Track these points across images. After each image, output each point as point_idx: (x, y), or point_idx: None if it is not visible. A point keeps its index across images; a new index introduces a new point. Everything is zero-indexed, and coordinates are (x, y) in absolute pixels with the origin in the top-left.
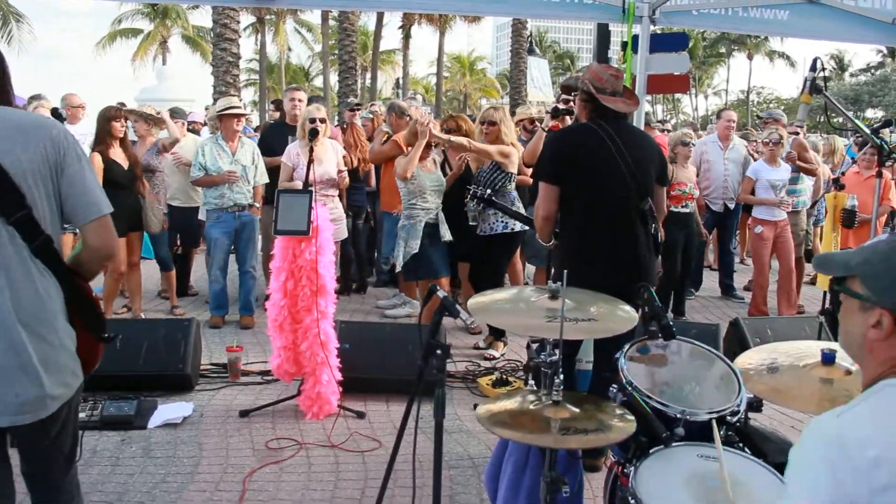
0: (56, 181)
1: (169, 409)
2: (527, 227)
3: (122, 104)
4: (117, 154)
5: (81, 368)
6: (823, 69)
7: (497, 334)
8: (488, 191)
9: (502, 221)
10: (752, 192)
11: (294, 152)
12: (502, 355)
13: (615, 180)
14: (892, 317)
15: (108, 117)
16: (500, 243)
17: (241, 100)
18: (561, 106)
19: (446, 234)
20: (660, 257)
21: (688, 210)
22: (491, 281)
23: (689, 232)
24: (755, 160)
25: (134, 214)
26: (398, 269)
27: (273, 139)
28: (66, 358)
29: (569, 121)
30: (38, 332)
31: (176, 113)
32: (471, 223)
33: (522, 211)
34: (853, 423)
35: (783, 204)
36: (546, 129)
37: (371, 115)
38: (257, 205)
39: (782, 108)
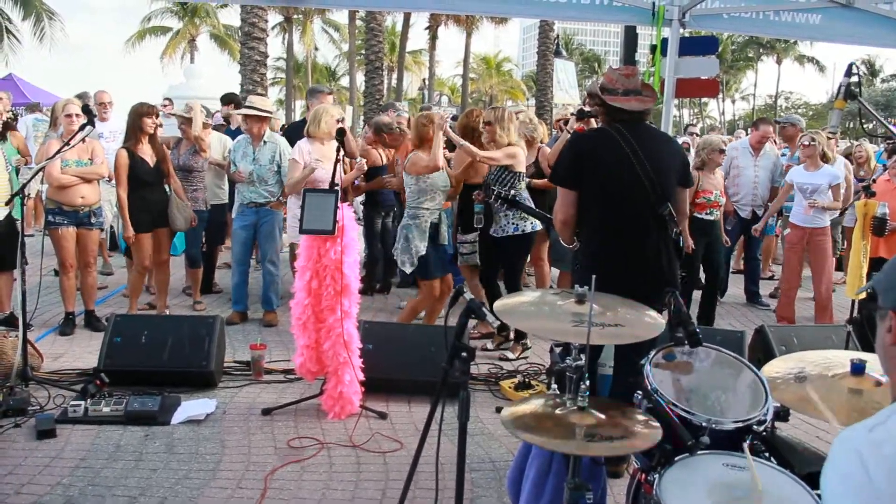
0: None
1: (192, 406)
2: (542, 228)
3: (169, 100)
4: (144, 151)
5: None
6: (858, 75)
7: (517, 337)
8: (512, 191)
9: (513, 223)
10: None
11: (306, 149)
12: (517, 357)
13: (631, 184)
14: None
15: (140, 113)
16: (513, 245)
17: (271, 103)
18: (586, 108)
19: (446, 237)
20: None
21: (712, 217)
22: (508, 283)
23: (711, 240)
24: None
25: (160, 211)
26: (407, 271)
27: (297, 138)
28: None
29: (594, 123)
30: None
31: None
32: (476, 225)
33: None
34: (886, 438)
35: (808, 207)
36: (571, 131)
37: (406, 115)
38: (282, 199)
39: (811, 113)
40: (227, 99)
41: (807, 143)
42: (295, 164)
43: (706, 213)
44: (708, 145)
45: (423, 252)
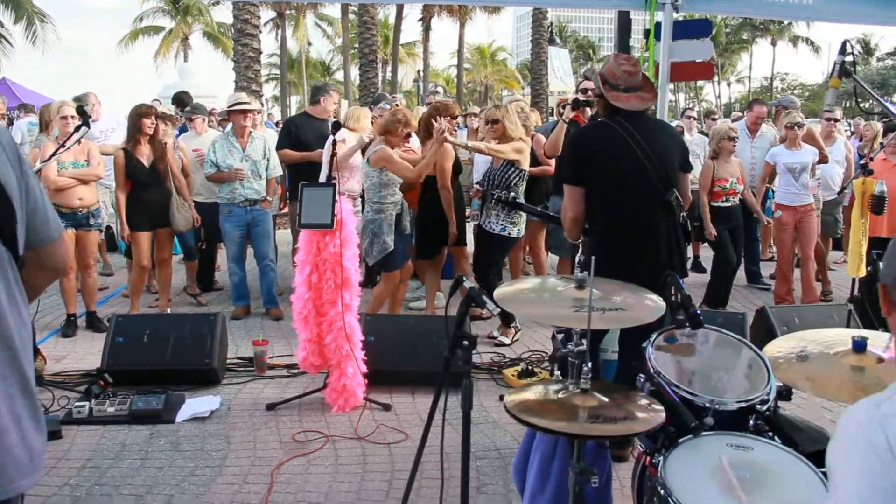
0: (23, 194)
1: (196, 403)
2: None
3: (157, 101)
4: (142, 152)
5: None
6: (852, 52)
7: (506, 321)
8: (512, 194)
9: (501, 224)
10: (773, 177)
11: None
12: (512, 341)
13: (637, 175)
14: (883, 288)
15: (139, 114)
16: (495, 243)
17: (261, 95)
18: (581, 97)
19: (408, 227)
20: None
21: (729, 204)
22: (479, 276)
23: (734, 226)
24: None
25: (160, 211)
26: (370, 263)
27: (304, 131)
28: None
29: (589, 111)
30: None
31: (197, 109)
32: (475, 222)
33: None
34: (893, 413)
35: (808, 188)
36: (566, 120)
37: (388, 107)
38: (270, 198)
39: (807, 93)
40: (176, 99)
41: (796, 123)
42: (343, 144)
43: (723, 201)
44: (716, 134)
45: (392, 247)
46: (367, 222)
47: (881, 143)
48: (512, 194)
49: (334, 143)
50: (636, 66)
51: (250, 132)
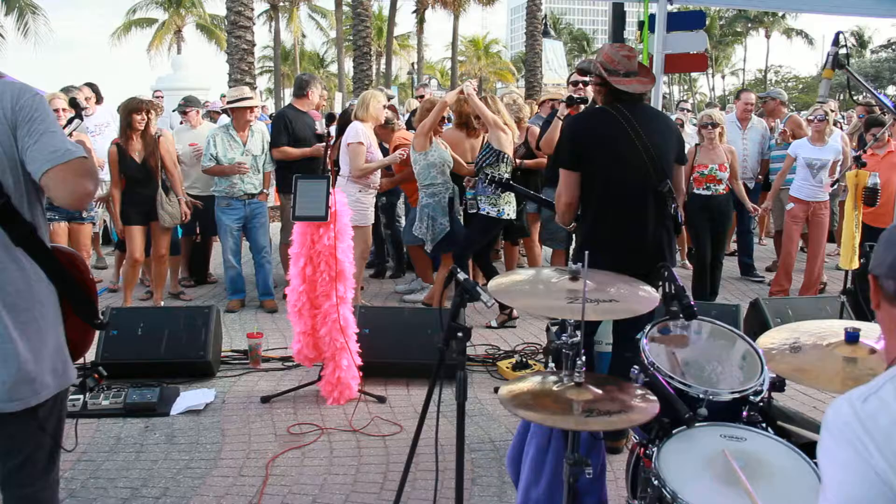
0: (17, 149)
1: (191, 396)
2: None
3: (160, 94)
4: (134, 148)
5: (71, 355)
6: (846, 44)
7: (502, 306)
8: (506, 175)
9: (483, 205)
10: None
11: (364, 132)
12: (499, 326)
13: (633, 163)
14: (874, 279)
15: (128, 109)
16: (476, 223)
17: (255, 87)
18: (575, 95)
19: (460, 210)
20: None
21: (710, 193)
22: (460, 255)
23: (714, 215)
24: (772, 136)
25: (152, 206)
26: (429, 248)
27: (298, 126)
28: (55, 345)
29: (583, 108)
30: (24, 317)
31: (190, 102)
32: (469, 211)
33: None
34: (879, 408)
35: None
36: (562, 117)
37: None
38: (266, 191)
39: (801, 86)
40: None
41: (821, 116)
42: (360, 148)
43: (703, 189)
44: (698, 120)
45: (448, 227)
46: (423, 206)
47: (873, 136)
48: (506, 176)
49: (328, 135)
50: (632, 51)
51: (250, 125)
